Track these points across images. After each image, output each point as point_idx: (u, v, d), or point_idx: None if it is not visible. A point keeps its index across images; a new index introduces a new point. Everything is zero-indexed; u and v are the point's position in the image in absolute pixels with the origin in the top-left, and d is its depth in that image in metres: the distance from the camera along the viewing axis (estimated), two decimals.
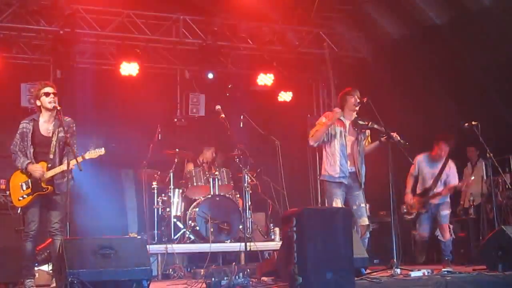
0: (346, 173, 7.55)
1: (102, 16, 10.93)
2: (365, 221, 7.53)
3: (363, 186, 7.64)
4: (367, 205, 7.78)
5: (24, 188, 6.80)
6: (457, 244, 9.50)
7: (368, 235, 7.57)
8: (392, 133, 7.33)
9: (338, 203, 7.49)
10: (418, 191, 9.13)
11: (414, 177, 9.19)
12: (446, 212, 8.91)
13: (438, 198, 8.89)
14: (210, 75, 11.82)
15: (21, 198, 6.81)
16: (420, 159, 9.12)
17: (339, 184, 7.55)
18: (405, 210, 9.15)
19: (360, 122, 7.64)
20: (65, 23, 10.61)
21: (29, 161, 6.76)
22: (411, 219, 9.16)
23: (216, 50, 11.81)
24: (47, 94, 6.87)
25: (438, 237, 8.87)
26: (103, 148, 6.91)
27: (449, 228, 8.89)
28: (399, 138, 7.34)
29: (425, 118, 10.86)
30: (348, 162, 7.62)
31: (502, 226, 7.50)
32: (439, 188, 8.91)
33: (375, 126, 7.53)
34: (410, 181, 9.20)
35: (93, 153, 6.86)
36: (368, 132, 7.79)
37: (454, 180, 8.96)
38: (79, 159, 6.63)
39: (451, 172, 8.99)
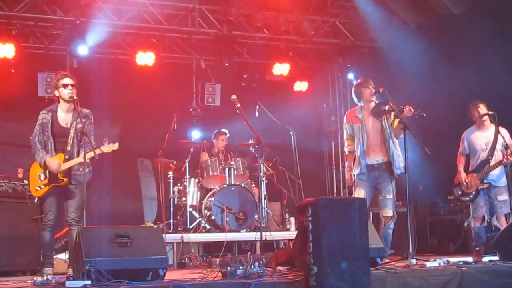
0: (362, 170, 7.56)
1: (118, 6, 10.94)
2: (387, 212, 7.50)
3: (398, 172, 7.52)
4: (394, 196, 7.63)
5: (42, 178, 6.86)
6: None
7: (391, 225, 7.53)
8: (405, 108, 7.28)
9: (359, 193, 7.51)
10: (471, 168, 8.52)
11: (464, 156, 8.61)
12: (504, 196, 8.16)
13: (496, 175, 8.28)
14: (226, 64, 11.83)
15: (38, 188, 6.88)
16: (468, 134, 8.58)
17: (360, 180, 7.59)
18: (459, 192, 8.53)
19: (378, 110, 7.60)
20: (81, 13, 10.64)
21: (47, 156, 6.80)
22: (470, 200, 8.45)
23: (232, 40, 11.81)
24: (65, 86, 6.90)
25: (497, 226, 8.23)
26: (117, 143, 6.93)
27: (507, 217, 8.22)
28: (412, 110, 7.27)
29: (441, 108, 10.78)
30: (377, 153, 7.59)
31: None
32: (497, 157, 8.26)
33: (393, 107, 7.43)
34: (462, 160, 8.59)
35: (106, 148, 6.88)
36: (392, 115, 7.68)
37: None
38: (90, 154, 6.66)
39: (507, 138, 8.27)
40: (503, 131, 8.31)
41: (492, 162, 8.27)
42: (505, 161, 8.11)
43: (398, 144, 7.63)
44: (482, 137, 8.47)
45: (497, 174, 8.27)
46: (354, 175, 7.73)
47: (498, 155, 8.29)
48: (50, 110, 6.97)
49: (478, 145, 8.47)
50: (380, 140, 7.64)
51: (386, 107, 7.49)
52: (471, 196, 8.43)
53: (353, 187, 7.78)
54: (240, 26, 11.67)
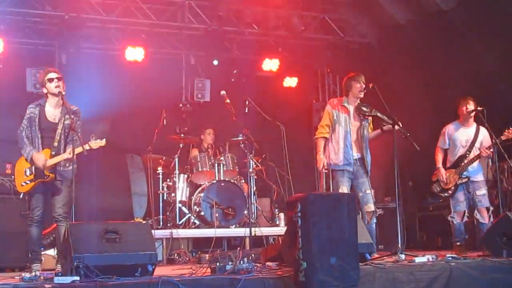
0: (350, 160, 7.59)
1: (108, 1, 10.89)
2: (370, 207, 7.57)
3: (369, 172, 7.66)
4: (372, 191, 7.78)
5: (28, 173, 6.83)
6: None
7: (374, 220, 7.60)
8: (393, 124, 7.30)
9: (344, 190, 7.52)
10: (448, 164, 8.75)
11: (443, 150, 8.79)
12: (482, 191, 8.48)
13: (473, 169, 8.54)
14: (215, 62, 11.79)
15: (23, 184, 6.85)
16: (450, 128, 8.76)
17: (344, 171, 7.58)
18: (438, 189, 8.74)
19: (363, 109, 7.64)
20: (71, 8, 10.58)
21: (34, 151, 6.77)
22: (449, 196, 8.64)
23: (222, 35, 11.78)
24: (51, 80, 6.89)
25: (479, 220, 8.43)
26: (104, 140, 6.89)
27: (488, 210, 8.43)
28: (400, 129, 7.29)
29: (431, 104, 10.83)
30: (354, 149, 7.65)
31: (507, 213, 7.48)
32: (475, 152, 8.51)
33: (378, 114, 7.53)
34: (439, 155, 8.76)
35: (93, 144, 6.84)
36: (370, 119, 7.81)
37: (488, 144, 8.43)
38: (80, 149, 6.63)
39: (485, 137, 8.50)
40: (483, 131, 8.51)
41: (470, 157, 8.48)
42: (484, 154, 8.35)
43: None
44: (464, 134, 8.65)
45: (474, 169, 8.52)
46: (336, 165, 7.68)
47: (475, 152, 8.52)
48: (38, 105, 6.95)
49: (459, 141, 8.66)
50: (356, 137, 7.72)
51: (372, 111, 7.55)
52: (449, 192, 8.62)
53: (332, 178, 7.77)
54: (229, 21, 11.65)
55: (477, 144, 8.56)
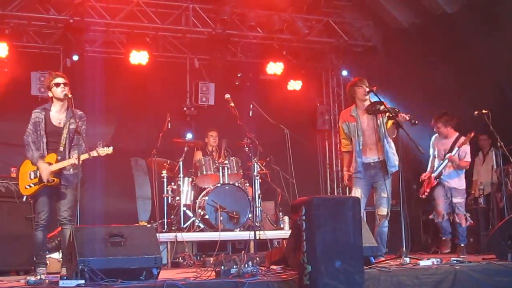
0: (359, 168, 7.57)
1: (112, 5, 10.92)
2: (382, 211, 7.53)
3: (392, 170, 7.56)
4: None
5: (32, 177, 6.82)
6: (467, 233, 9.49)
7: (386, 224, 7.55)
8: (400, 114, 7.29)
9: (356, 193, 7.52)
10: (430, 170, 9.37)
11: (433, 157, 9.35)
12: (458, 199, 9.01)
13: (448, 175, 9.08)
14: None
15: (27, 187, 6.84)
16: (433, 138, 9.35)
17: (357, 178, 7.60)
18: (420, 189, 9.37)
19: (372, 108, 7.60)
20: (75, 12, 10.62)
21: (39, 156, 6.78)
22: (426, 196, 9.28)
23: (226, 39, 11.80)
24: (57, 85, 6.87)
25: (457, 221, 9.00)
26: (111, 148, 6.88)
27: (465, 216, 9.02)
28: (407, 117, 7.28)
29: (435, 107, 10.81)
30: (372, 152, 7.60)
31: (511, 216, 7.48)
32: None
33: (388, 108, 7.44)
34: (432, 162, 9.38)
35: (101, 151, 6.84)
36: (386, 115, 7.69)
37: (464, 155, 9.03)
38: (86, 155, 6.63)
39: (462, 148, 8.97)
40: (462, 141, 9.00)
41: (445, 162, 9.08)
42: (448, 158, 9.00)
43: (393, 143, 7.66)
44: (444, 144, 9.20)
45: (447, 174, 9.07)
46: (352, 173, 7.71)
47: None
48: (43, 109, 6.95)
49: (440, 149, 9.24)
50: (375, 139, 7.65)
51: (381, 107, 7.49)
52: (426, 193, 9.23)
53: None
54: (233, 25, 11.68)
55: (453, 152, 9.01)
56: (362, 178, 7.59)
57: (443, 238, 9.15)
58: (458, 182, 9.08)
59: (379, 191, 7.59)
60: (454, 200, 9.01)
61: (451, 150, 9.03)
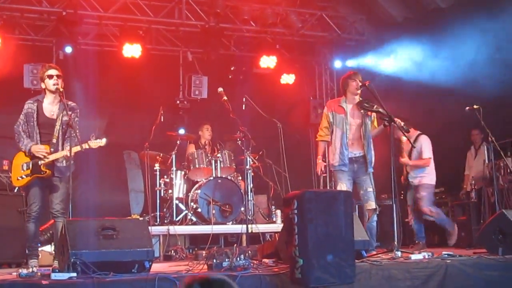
0: (345, 160, 7.61)
1: None
2: (371, 205, 7.60)
3: (370, 170, 7.67)
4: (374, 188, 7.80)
5: (25, 168, 6.82)
6: (458, 227, 9.55)
7: (375, 218, 7.62)
8: (395, 118, 7.33)
9: (342, 187, 7.54)
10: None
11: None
12: (419, 194, 9.25)
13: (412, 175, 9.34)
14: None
15: (19, 178, 6.83)
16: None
17: (341, 171, 7.62)
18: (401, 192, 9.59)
19: (365, 105, 7.64)
20: (68, 4, 10.59)
21: (33, 142, 6.78)
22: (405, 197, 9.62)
23: (219, 32, 11.77)
24: (50, 77, 6.87)
25: (426, 217, 9.33)
26: (104, 139, 6.89)
27: (430, 211, 9.22)
28: (402, 124, 7.36)
29: (426, 101, 10.84)
30: (355, 147, 7.66)
31: (502, 210, 7.51)
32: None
33: (380, 110, 7.53)
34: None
35: (93, 143, 6.84)
36: (374, 115, 7.80)
37: (424, 154, 9.22)
38: (79, 148, 6.65)
39: (418, 146, 9.19)
40: (422, 139, 9.26)
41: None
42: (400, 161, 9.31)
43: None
44: (407, 144, 9.17)
45: (410, 173, 9.37)
46: (333, 166, 7.77)
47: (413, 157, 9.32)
48: (36, 100, 6.94)
49: (406, 150, 9.41)
50: (358, 135, 7.73)
51: (374, 107, 7.55)
52: (401, 196, 9.55)
53: (330, 178, 7.86)
54: (227, 18, 11.65)
55: (414, 152, 9.24)
56: (346, 172, 7.63)
57: (416, 242, 9.30)
58: (423, 179, 9.25)
59: (364, 186, 7.64)
60: (418, 195, 9.23)
61: (411, 150, 9.28)
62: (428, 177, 9.27)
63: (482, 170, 10.12)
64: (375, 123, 7.86)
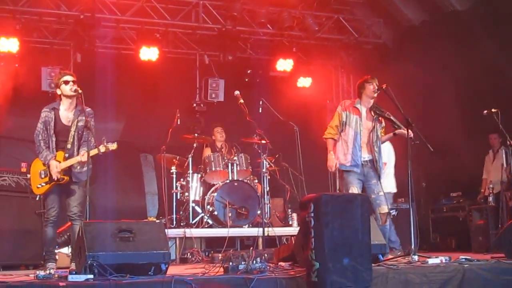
0: (358, 161, 7.58)
1: (122, 1, 10.94)
2: (384, 209, 7.53)
3: (381, 174, 7.64)
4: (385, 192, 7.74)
5: (43, 176, 6.89)
6: (476, 232, 9.48)
7: (389, 222, 7.56)
8: (404, 130, 7.28)
9: (354, 190, 7.50)
10: None
11: None
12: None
13: None
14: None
15: (39, 186, 6.92)
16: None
17: (351, 172, 7.58)
18: None
19: (378, 111, 7.62)
20: (85, 8, 10.64)
21: (51, 156, 6.83)
22: None
23: (236, 35, 11.81)
24: (66, 82, 6.93)
25: None
26: (115, 143, 6.93)
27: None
28: (411, 135, 7.26)
29: (446, 104, 10.78)
30: (365, 150, 7.64)
31: None
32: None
33: (392, 117, 7.51)
34: None
35: (103, 148, 6.87)
36: (383, 122, 7.78)
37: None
38: (96, 151, 6.70)
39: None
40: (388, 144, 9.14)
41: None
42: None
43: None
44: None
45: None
46: (343, 166, 7.70)
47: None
48: (52, 108, 6.99)
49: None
50: (367, 139, 7.70)
51: (386, 114, 7.54)
52: None
53: (341, 178, 7.81)
54: (243, 21, 11.66)
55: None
56: (357, 174, 7.60)
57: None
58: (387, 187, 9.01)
59: (375, 190, 7.59)
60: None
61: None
62: (390, 183, 9.34)
63: (500, 174, 10.03)
64: (383, 131, 7.84)
